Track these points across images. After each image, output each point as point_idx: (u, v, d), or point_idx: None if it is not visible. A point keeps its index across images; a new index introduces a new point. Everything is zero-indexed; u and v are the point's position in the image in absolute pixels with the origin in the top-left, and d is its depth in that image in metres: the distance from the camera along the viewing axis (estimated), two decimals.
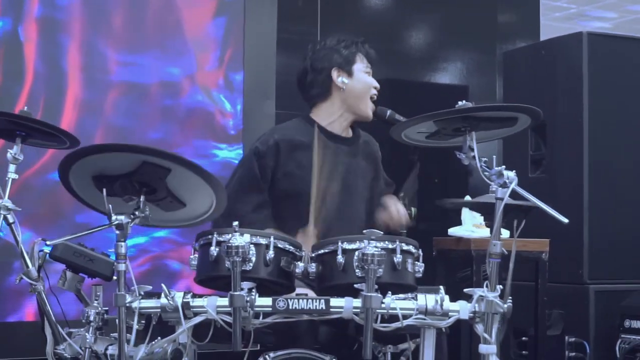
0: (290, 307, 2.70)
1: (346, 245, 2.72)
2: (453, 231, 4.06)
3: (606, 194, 4.46)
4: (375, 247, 2.67)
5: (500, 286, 2.71)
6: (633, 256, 4.29)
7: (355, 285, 2.68)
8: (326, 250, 2.76)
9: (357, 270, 2.68)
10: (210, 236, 2.75)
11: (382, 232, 2.72)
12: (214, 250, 2.72)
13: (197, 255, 2.81)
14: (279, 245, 2.76)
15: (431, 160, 3.82)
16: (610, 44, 4.62)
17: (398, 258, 2.71)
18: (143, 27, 4.25)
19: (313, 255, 2.79)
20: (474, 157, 2.75)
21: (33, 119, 2.96)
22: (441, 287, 2.79)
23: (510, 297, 2.73)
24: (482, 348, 2.69)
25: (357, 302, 2.68)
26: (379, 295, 2.65)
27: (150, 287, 2.79)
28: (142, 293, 2.76)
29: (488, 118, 2.82)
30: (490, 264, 2.71)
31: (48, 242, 2.91)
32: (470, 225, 4.00)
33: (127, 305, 2.71)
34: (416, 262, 2.80)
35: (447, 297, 2.74)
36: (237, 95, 4.41)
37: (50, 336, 2.93)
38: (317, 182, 3.30)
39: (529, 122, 2.86)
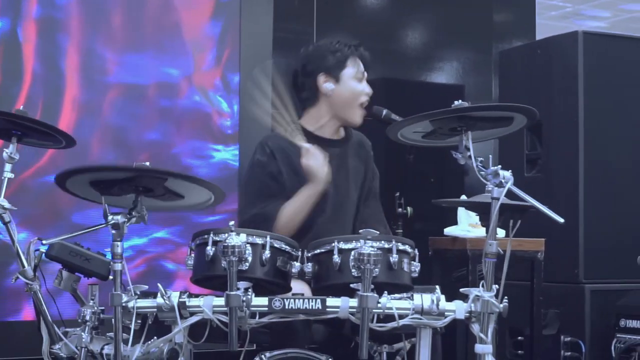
0: (287, 307, 2.71)
1: (342, 245, 2.72)
2: (449, 231, 4.07)
3: (602, 194, 4.47)
4: (372, 246, 2.67)
5: (497, 286, 2.71)
6: (629, 255, 4.29)
7: (352, 285, 2.68)
8: (322, 250, 2.76)
9: (353, 270, 2.67)
10: (206, 236, 2.75)
11: (377, 232, 2.73)
12: (210, 250, 2.72)
13: (193, 255, 2.81)
14: (275, 245, 2.76)
15: (427, 160, 3.83)
16: (606, 43, 4.62)
17: (394, 258, 2.71)
18: (141, 28, 4.25)
19: (309, 255, 2.79)
20: (470, 156, 2.75)
21: (29, 118, 2.95)
22: (437, 286, 2.79)
23: (506, 297, 2.73)
24: (478, 348, 2.69)
25: (353, 302, 2.68)
26: (375, 295, 2.65)
27: (147, 286, 2.79)
28: (138, 293, 2.76)
29: (484, 118, 2.82)
30: (486, 264, 2.71)
31: (44, 242, 2.91)
32: (466, 225, 4.00)
33: (123, 304, 2.71)
34: (412, 262, 2.80)
35: (443, 297, 2.75)
36: (233, 95, 4.41)
37: (46, 335, 2.93)
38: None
39: (525, 122, 2.86)
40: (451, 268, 4.15)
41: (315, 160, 3.24)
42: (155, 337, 2.78)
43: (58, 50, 4.08)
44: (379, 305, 2.68)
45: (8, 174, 2.94)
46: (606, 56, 4.56)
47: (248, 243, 2.70)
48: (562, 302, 4.40)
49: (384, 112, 3.46)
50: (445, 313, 2.74)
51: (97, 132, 4.12)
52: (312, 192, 3.26)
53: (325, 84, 3.40)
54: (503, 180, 2.68)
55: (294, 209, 3.27)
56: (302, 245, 2.86)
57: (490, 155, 2.77)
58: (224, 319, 2.68)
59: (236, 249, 2.64)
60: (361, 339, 2.63)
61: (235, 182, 4.28)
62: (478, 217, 3.88)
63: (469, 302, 2.72)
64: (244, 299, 2.66)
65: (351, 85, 3.40)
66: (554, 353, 4.34)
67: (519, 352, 4.43)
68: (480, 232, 3.91)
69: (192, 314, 2.74)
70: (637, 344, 4.17)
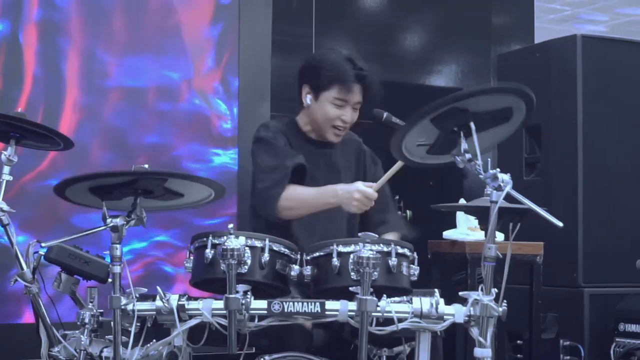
0: (286, 310, 2.70)
1: (341, 248, 2.72)
2: (448, 234, 4.07)
3: (601, 197, 4.47)
4: (370, 250, 2.67)
5: (495, 289, 2.71)
6: (628, 259, 4.30)
7: (351, 288, 2.68)
8: (321, 253, 2.76)
9: (352, 273, 2.67)
10: (205, 239, 2.75)
11: (377, 236, 2.72)
12: (209, 252, 2.71)
13: (192, 258, 2.80)
14: (274, 248, 2.76)
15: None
16: (604, 47, 4.63)
17: (393, 261, 2.71)
18: (141, 31, 4.25)
19: (308, 258, 2.79)
20: (469, 160, 2.74)
21: (27, 120, 2.95)
22: (436, 290, 2.79)
23: (505, 301, 2.73)
24: (477, 352, 2.69)
25: (352, 305, 2.68)
26: (374, 298, 2.65)
27: (146, 289, 2.79)
28: (137, 295, 2.76)
29: (483, 113, 2.79)
30: (485, 268, 2.71)
31: (43, 244, 2.91)
32: (465, 228, 4.00)
33: (122, 307, 2.71)
34: (411, 265, 2.80)
35: (442, 301, 2.74)
36: (233, 98, 4.41)
37: (45, 338, 2.92)
38: None
39: (524, 113, 2.84)
40: (450, 271, 4.15)
41: (354, 192, 3.18)
42: (154, 340, 2.78)
43: (59, 54, 4.09)
44: (378, 308, 2.67)
45: (6, 177, 2.94)
46: (605, 60, 4.57)
47: (247, 246, 2.70)
48: (561, 306, 4.40)
49: (385, 115, 3.45)
50: (444, 317, 2.73)
51: (98, 135, 4.12)
52: (332, 201, 3.21)
53: (307, 96, 3.40)
54: (502, 184, 2.68)
55: (302, 200, 3.24)
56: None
57: (489, 159, 2.76)
58: (223, 322, 2.68)
59: (235, 252, 2.64)
60: (360, 342, 2.63)
61: (234, 186, 4.29)
62: (477, 220, 3.89)
63: (468, 306, 2.72)
64: (243, 302, 2.66)
65: (326, 108, 3.36)
66: (553, 357, 4.34)
67: (518, 356, 4.42)
68: (479, 235, 3.91)
69: (191, 316, 2.73)
70: (636, 348, 4.17)
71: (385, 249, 2.72)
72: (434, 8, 5.39)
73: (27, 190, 3.91)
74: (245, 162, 4.07)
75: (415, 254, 2.82)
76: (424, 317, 2.72)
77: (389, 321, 2.71)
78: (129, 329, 2.72)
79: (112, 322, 2.70)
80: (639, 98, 4.63)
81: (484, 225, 2.82)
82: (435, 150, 2.87)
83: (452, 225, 4.06)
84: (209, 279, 2.77)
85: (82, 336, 2.85)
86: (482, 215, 2.83)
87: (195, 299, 2.76)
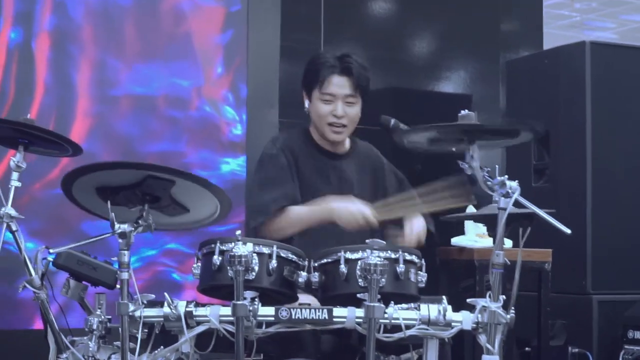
0: (293, 317, 2.70)
1: (349, 255, 2.71)
2: (456, 241, 4.06)
3: (609, 204, 4.46)
4: (378, 256, 2.66)
5: (503, 296, 2.71)
6: (636, 266, 4.29)
7: (358, 295, 2.68)
8: (329, 260, 2.76)
9: (359, 280, 2.67)
10: (213, 245, 2.75)
11: (384, 242, 2.72)
12: (216, 259, 2.71)
13: (199, 264, 2.81)
14: (282, 255, 2.75)
15: (434, 169, 3.81)
16: (613, 53, 4.63)
17: (401, 268, 2.70)
18: (152, 39, 4.28)
19: (316, 264, 2.79)
20: (477, 166, 2.75)
21: (35, 127, 2.96)
22: (444, 297, 2.79)
23: (513, 308, 2.72)
24: (485, 359, 2.69)
25: (360, 312, 2.68)
26: (382, 305, 2.64)
27: (153, 295, 2.79)
28: (145, 302, 2.76)
29: (490, 130, 2.81)
30: (492, 274, 2.70)
31: (51, 250, 2.91)
32: (473, 235, 4.00)
33: (130, 314, 2.71)
34: (419, 272, 2.79)
35: (449, 307, 2.74)
36: (242, 105, 4.42)
37: (53, 344, 2.93)
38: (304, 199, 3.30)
39: (531, 137, 2.86)
40: (458, 278, 4.14)
41: (352, 208, 3.19)
42: (161, 347, 2.78)
43: (70, 61, 4.12)
44: (386, 315, 2.67)
45: (15, 183, 2.95)
46: (613, 66, 4.57)
47: (255, 252, 2.69)
48: (569, 313, 4.38)
49: (392, 121, 3.44)
50: (452, 324, 2.73)
51: (108, 142, 4.14)
52: (324, 216, 3.22)
53: (306, 101, 3.42)
54: (510, 191, 2.68)
55: (297, 219, 3.26)
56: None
57: (497, 165, 2.76)
58: (231, 328, 2.68)
59: (243, 259, 2.64)
60: (368, 349, 2.62)
61: (242, 194, 4.29)
62: (485, 227, 3.89)
63: (475, 313, 2.72)
64: (251, 308, 2.66)
65: (317, 107, 3.38)
66: None
67: None
68: (488, 242, 3.91)
69: (198, 323, 2.73)
70: None
71: (393, 256, 2.71)
72: (442, 14, 5.38)
73: (37, 198, 3.93)
74: (253, 169, 4.08)
75: (423, 261, 2.81)
76: (431, 324, 2.72)
77: (396, 328, 2.70)
78: (137, 335, 2.73)
79: (120, 329, 2.70)
80: None
81: (492, 232, 2.81)
82: (439, 144, 2.88)
83: (461, 232, 4.05)
84: (216, 285, 2.77)
85: (90, 342, 2.85)
86: (490, 222, 2.83)
87: (204, 305, 2.76)
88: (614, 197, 4.48)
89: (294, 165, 3.36)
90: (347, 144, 3.50)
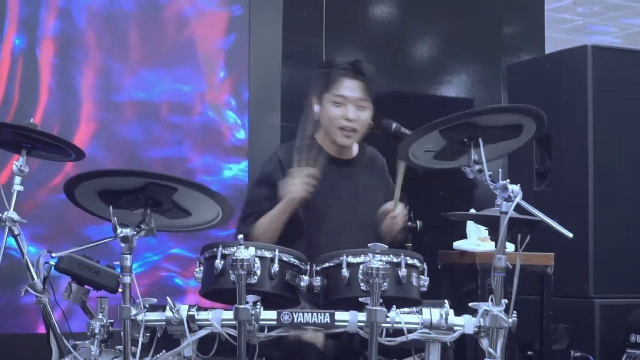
0: (296, 321, 2.70)
1: (351, 259, 2.72)
2: (458, 245, 4.06)
3: (612, 208, 4.46)
4: (380, 261, 2.67)
5: (506, 300, 2.71)
6: (639, 270, 4.28)
7: (360, 299, 2.68)
8: (331, 264, 2.76)
9: (362, 284, 2.68)
10: (215, 249, 2.76)
11: (386, 247, 2.72)
12: (219, 263, 2.72)
13: (202, 269, 2.81)
14: (284, 259, 2.76)
15: (436, 174, 3.82)
16: (616, 58, 4.62)
17: (403, 272, 2.71)
18: (156, 46, 4.29)
19: (318, 269, 2.79)
20: (479, 170, 2.74)
21: (38, 131, 2.96)
22: (446, 301, 2.78)
23: (515, 312, 2.72)
24: None
25: (362, 316, 2.68)
26: (384, 309, 2.64)
27: (156, 300, 2.79)
28: (147, 306, 2.76)
29: (493, 127, 2.80)
30: (495, 279, 2.70)
31: (54, 255, 2.92)
32: (476, 239, 4.00)
33: (133, 318, 2.71)
34: (421, 276, 2.80)
35: (452, 312, 2.74)
36: (244, 109, 4.43)
37: (55, 349, 2.93)
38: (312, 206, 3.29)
39: (534, 129, 2.85)
40: (460, 282, 4.14)
41: (289, 178, 3.23)
42: (164, 351, 2.78)
43: (75, 67, 4.13)
44: (388, 319, 2.67)
45: (18, 187, 2.95)
46: (615, 70, 4.56)
47: (257, 257, 2.70)
48: (572, 317, 4.38)
49: (394, 125, 3.45)
50: (455, 328, 2.73)
51: (112, 148, 4.15)
52: (283, 207, 3.25)
53: (315, 106, 3.40)
54: (512, 195, 2.68)
55: (267, 222, 3.27)
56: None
57: (500, 170, 2.76)
58: (233, 332, 2.68)
59: (245, 263, 2.64)
60: (370, 353, 2.63)
61: (245, 198, 4.29)
62: (487, 231, 3.89)
63: (478, 317, 2.72)
64: (253, 312, 2.66)
65: (328, 110, 3.36)
66: None
67: None
68: (490, 246, 3.90)
69: (201, 327, 2.74)
70: None
71: (395, 260, 2.72)
72: (444, 18, 5.38)
73: (42, 203, 3.94)
74: (255, 173, 4.08)
75: (425, 265, 2.82)
76: (434, 328, 2.72)
77: (398, 332, 2.71)
78: (139, 339, 2.73)
79: (122, 333, 2.70)
80: None
81: (494, 236, 2.81)
82: (443, 157, 2.87)
83: (463, 236, 4.05)
84: (218, 289, 2.77)
85: (92, 347, 2.85)
86: (492, 225, 2.83)
87: (206, 309, 2.76)
88: (617, 201, 4.48)
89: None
90: (356, 149, 3.49)
